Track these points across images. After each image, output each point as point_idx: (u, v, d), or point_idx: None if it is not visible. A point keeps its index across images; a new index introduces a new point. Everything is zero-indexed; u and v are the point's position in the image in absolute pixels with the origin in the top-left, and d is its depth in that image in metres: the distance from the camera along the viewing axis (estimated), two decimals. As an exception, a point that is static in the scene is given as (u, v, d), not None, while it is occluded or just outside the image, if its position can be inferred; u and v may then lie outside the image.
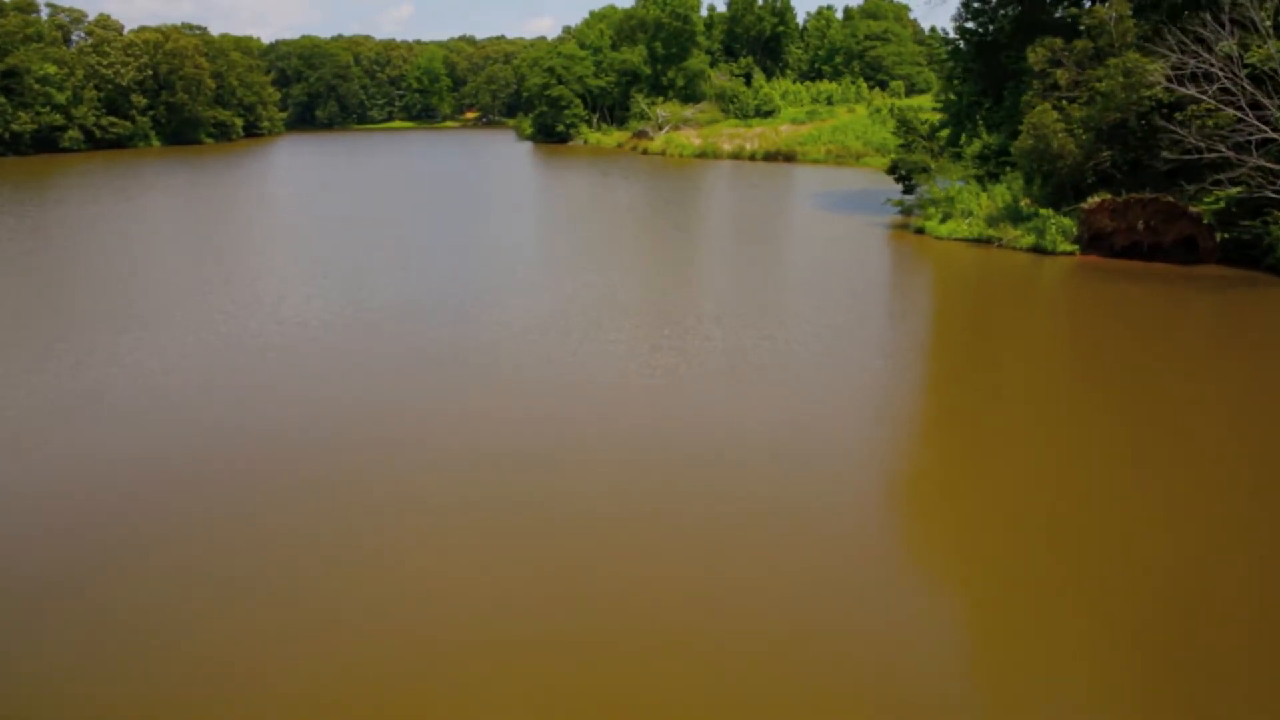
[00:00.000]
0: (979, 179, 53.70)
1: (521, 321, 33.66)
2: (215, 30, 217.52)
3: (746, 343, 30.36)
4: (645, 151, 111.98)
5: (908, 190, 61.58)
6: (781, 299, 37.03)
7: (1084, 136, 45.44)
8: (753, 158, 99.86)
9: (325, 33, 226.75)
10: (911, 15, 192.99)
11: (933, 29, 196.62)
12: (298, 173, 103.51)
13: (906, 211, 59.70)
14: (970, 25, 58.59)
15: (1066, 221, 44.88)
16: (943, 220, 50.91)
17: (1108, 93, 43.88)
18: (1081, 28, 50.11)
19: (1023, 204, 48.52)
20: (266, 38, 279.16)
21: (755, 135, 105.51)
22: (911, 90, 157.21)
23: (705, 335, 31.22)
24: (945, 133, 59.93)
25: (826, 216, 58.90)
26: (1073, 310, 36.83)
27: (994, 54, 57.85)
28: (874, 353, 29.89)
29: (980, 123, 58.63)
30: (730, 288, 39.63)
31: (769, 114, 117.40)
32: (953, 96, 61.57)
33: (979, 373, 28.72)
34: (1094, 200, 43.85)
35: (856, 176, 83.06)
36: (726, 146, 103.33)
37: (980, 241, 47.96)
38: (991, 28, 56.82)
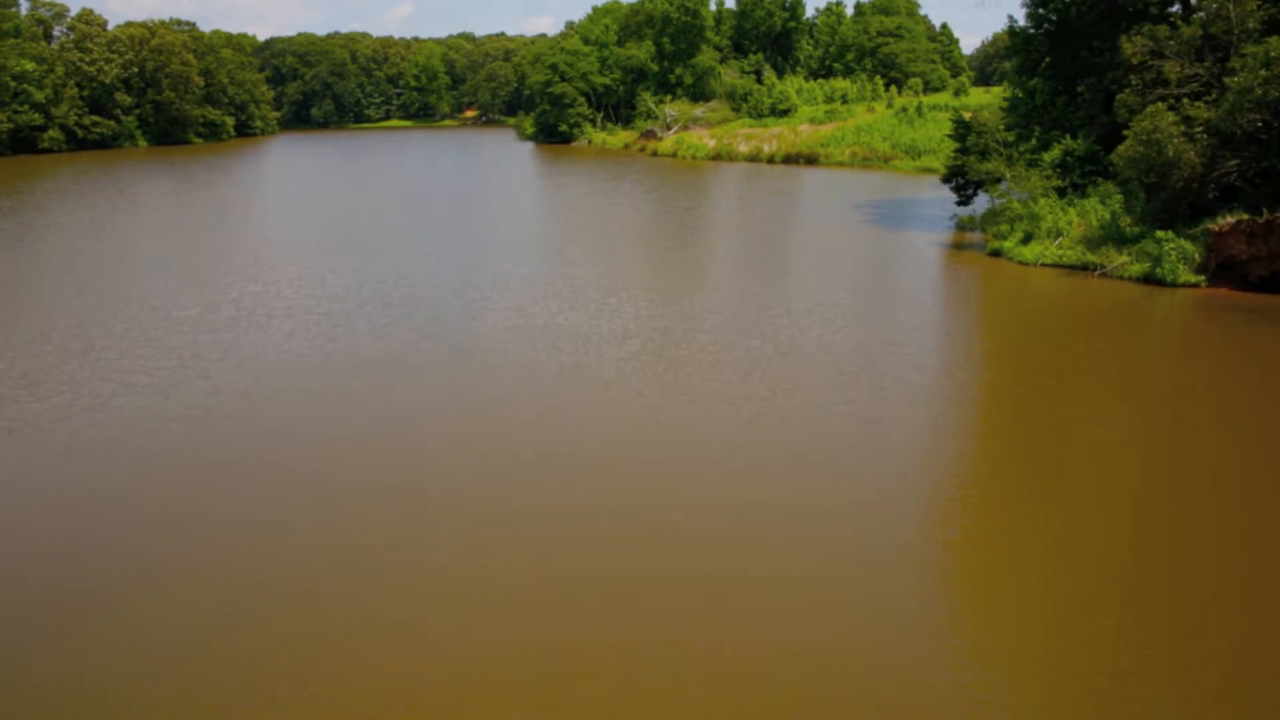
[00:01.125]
0: (1059, 191, 45.18)
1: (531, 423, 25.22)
2: (214, 28, 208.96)
3: (826, 425, 21.92)
4: (655, 153, 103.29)
5: (963, 201, 53.11)
6: (843, 352, 28.49)
7: (1206, 142, 36.91)
8: (771, 160, 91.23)
9: (323, 31, 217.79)
10: (921, 11, 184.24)
11: (944, 26, 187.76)
12: (277, 182, 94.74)
13: (964, 227, 51.18)
14: (1042, 11, 50.13)
15: (1188, 246, 36.33)
16: (1024, 241, 42.35)
17: (1243, 89, 35.32)
18: (1194, 15, 41.61)
19: (1124, 223, 40.00)
20: (263, 36, 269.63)
21: (773, 136, 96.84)
22: (927, 88, 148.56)
23: (768, 422, 22.75)
24: (1009, 135, 51.36)
25: (874, 234, 50.34)
26: (1199, 356, 28.55)
27: (1071, 44, 49.35)
28: (959, 427, 21.45)
29: (1043, 124, 50.18)
30: (783, 342, 31.12)
31: (785, 113, 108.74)
32: (1019, 93, 53.03)
33: (1090, 425, 22.23)
34: (1225, 220, 35.31)
35: (890, 182, 74.54)
36: (743, 148, 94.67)
37: (1076, 269, 39.41)
38: (1072, 13, 48.30)
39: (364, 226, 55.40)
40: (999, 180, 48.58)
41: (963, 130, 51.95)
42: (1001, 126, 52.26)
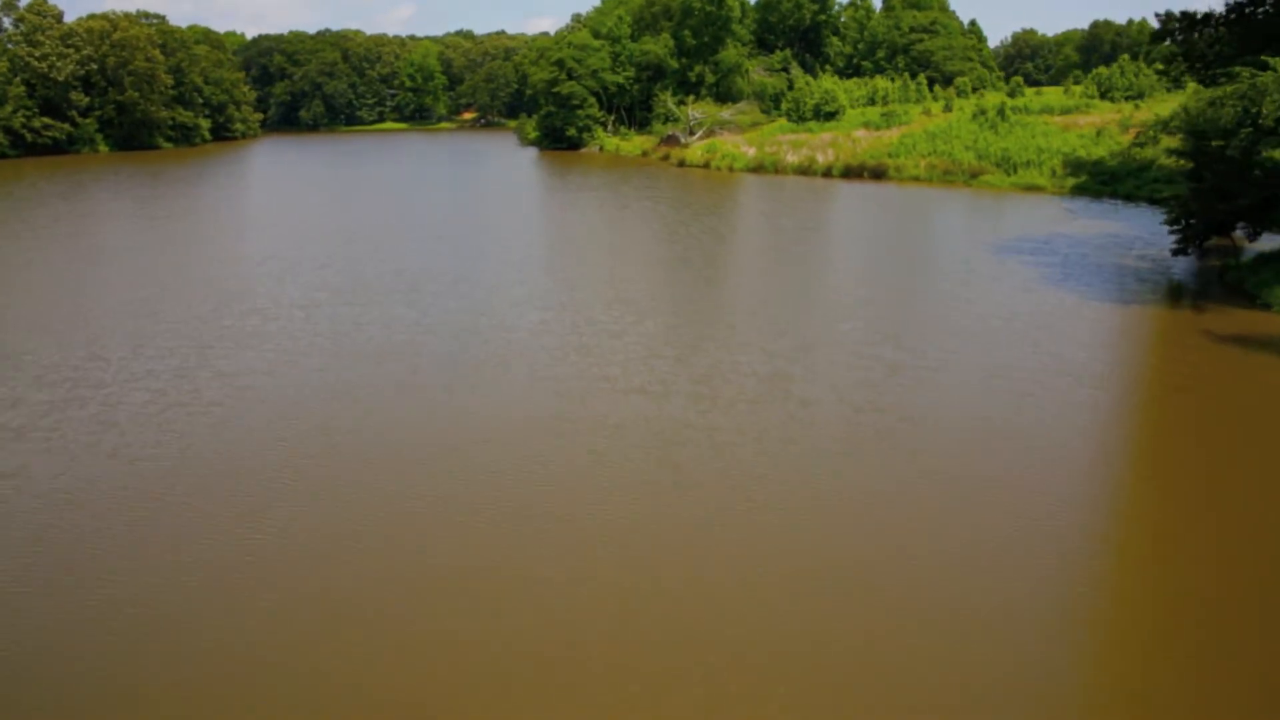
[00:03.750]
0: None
1: None
2: (217, 29, 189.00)
3: None
4: (682, 163, 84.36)
5: (1182, 248, 34.65)
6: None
7: None
8: (828, 173, 72.50)
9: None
10: (950, 6, 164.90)
11: (972, 22, 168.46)
12: (235, 201, 75.68)
13: (1203, 285, 32.58)
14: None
15: None
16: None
17: None
18: None
19: None
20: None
21: (825, 144, 78.02)
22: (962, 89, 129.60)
23: None
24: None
25: (1067, 299, 31.69)
26: None
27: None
28: None
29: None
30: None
31: (831, 116, 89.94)
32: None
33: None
34: None
35: (999, 205, 55.88)
36: (791, 158, 75.84)
37: None
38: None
39: (331, 271, 36.90)
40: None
41: (1201, 156, 33.22)
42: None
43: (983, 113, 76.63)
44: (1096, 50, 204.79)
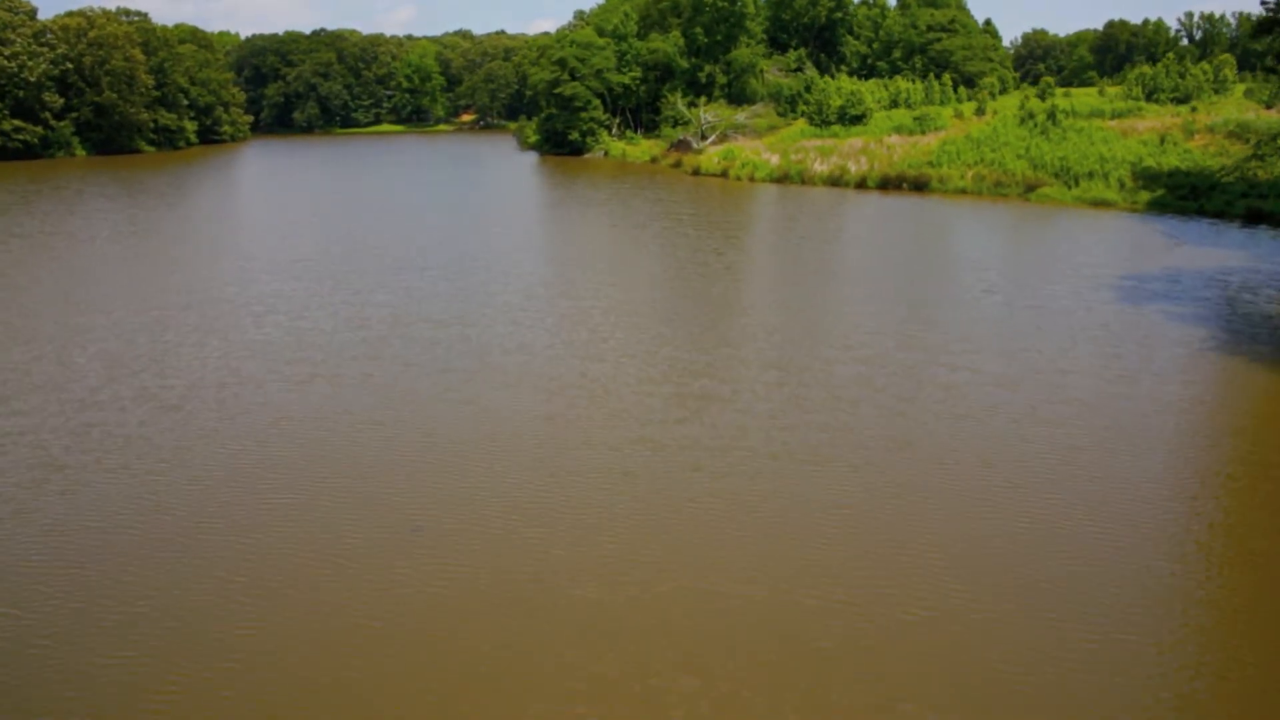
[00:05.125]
0: None
1: None
2: (219, 28, 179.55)
3: None
4: (696, 171, 75.58)
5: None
6: None
7: None
8: (861, 184, 63.81)
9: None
10: (966, 4, 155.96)
11: (987, 22, 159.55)
12: (185, 217, 67.15)
13: None
14: None
15: None
16: None
17: None
18: None
19: None
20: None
21: (856, 151, 69.31)
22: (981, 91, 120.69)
23: None
24: None
25: (1235, 367, 23.20)
26: None
27: None
28: None
29: None
30: None
31: (858, 119, 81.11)
32: None
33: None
34: None
35: (1071, 223, 47.24)
36: (819, 167, 67.13)
37: None
38: None
39: (273, 322, 28.27)
40: None
41: None
42: None
43: (1030, 116, 67.90)
44: (1112, 51, 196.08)
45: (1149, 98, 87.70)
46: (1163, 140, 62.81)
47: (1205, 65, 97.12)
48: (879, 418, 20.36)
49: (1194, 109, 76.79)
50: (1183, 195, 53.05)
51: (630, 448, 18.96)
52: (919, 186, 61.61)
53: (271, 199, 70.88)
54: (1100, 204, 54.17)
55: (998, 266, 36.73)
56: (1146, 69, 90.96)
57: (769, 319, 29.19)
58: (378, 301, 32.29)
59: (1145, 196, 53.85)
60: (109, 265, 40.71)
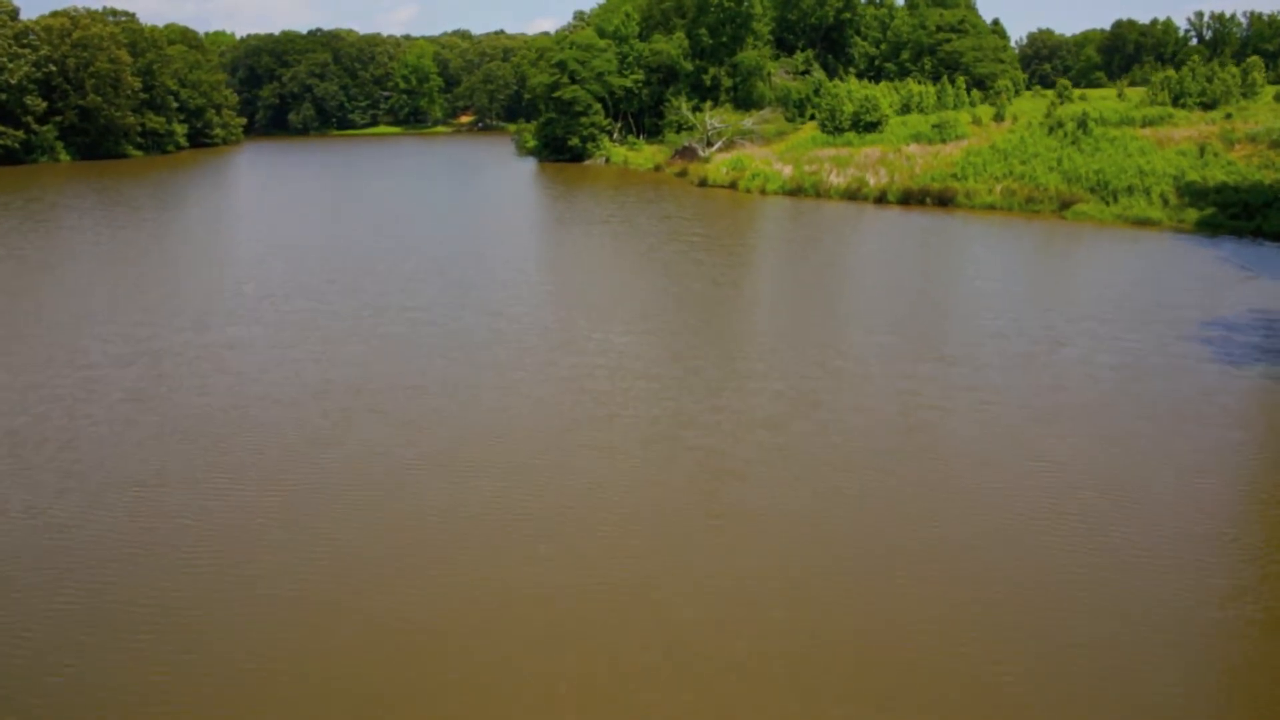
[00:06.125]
0: None
1: None
2: (216, 28, 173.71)
3: None
4: (703, 182, 70.68)
5: None
6: None
7: None
8: (881, 199, 58.98)
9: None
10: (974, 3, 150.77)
11: (995, 21, 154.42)
12: (145, 237, 62.36)
13: None
14: None
15: None
16: None
17: None
18: None
19: None
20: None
21: (873, 162, 64.39)
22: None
23: None
24: None
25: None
26: None
27: None
28: None
29: None
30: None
31: (873, 126, 76.15)
32: None
33: None
34: None
35: (1132, 248, 42.49)
36: (835, 179, 62.28)
37: None
38: None
39: (219, 386, 23.54)
40: None
41: None
42: None
43: (1060, 125, 63.03)
44: (1120, 51, 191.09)
45: (1175, 102, 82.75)
46: (1202, 151, 57.94)
47: (1233, 68, 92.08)
48: (951, 613, 15.59)
49: (1228, 116, 71.90)
50: (1235, 214, 48.25)
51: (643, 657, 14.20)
52: (943, 201, 56.82)
53: (249, 214, 66.03)
54: (1143, 223, 49.41)
55: (1058, 307, 31.92)
56: (1172, 72, 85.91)
57: (806, 387, 24.42)
58: (348, 357, 27.48)
59: (1193, 215, 49.06)
60: (53, 297, 35.88)
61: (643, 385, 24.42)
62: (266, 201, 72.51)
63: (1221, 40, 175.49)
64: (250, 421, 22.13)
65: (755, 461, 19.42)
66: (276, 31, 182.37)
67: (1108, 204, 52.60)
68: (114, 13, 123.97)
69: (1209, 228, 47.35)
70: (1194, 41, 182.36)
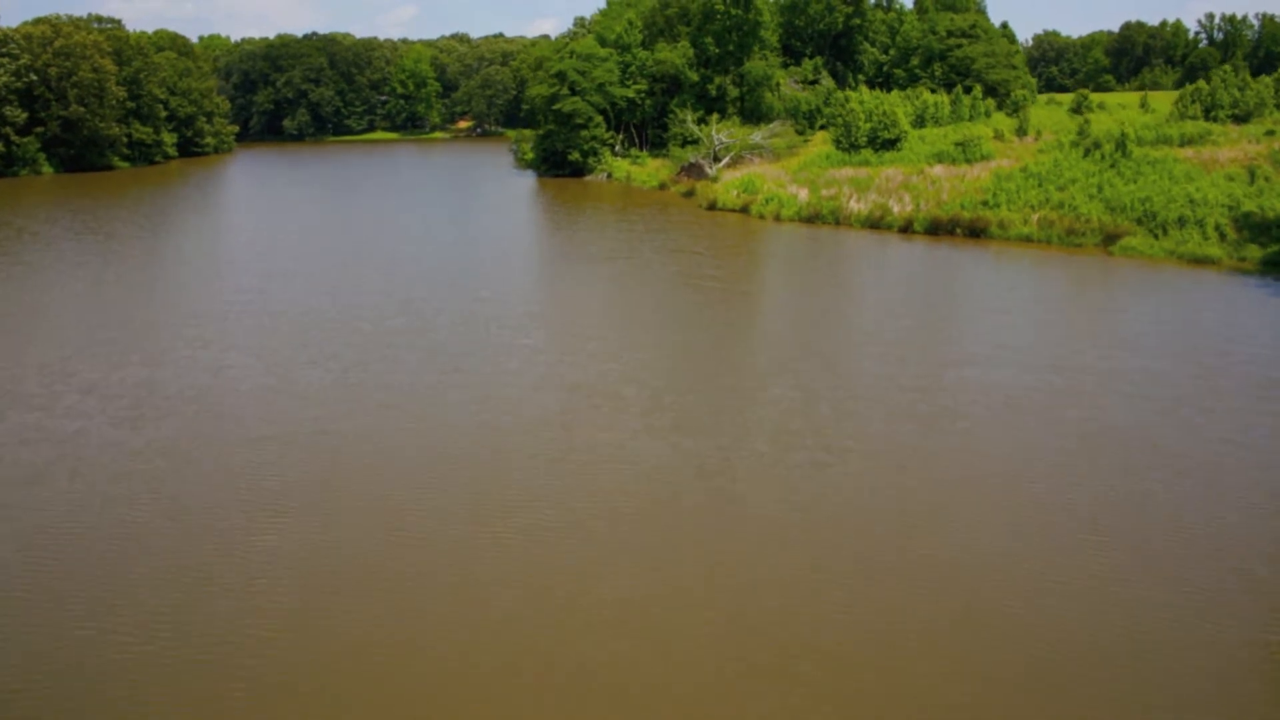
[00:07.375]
0: None
1: None
2: (214, 31, 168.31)
3: None
4: (712, 205, 65.68)
5: None
6: None
7: None
8: (907, 228, 54.08)
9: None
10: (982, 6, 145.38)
11: (1004, 25, 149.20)
12: (94, 262, 57.34)
13: None
14: None
15: None
16: None
17: None
18: None
19: None
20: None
21: (895, 186, 59.44)
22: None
23: None
24: None
25: None
26: None
27: None
28: None
29: None
30: None
31: (891, 143, 71.20)
32: None
33: None
34: None
35: (1200, 292, 37.63)
36: (855, 205, 57.35)
37: None
38: None
39: (143, 489, 18.73)
40: None
41: None
42: None
43: (1096, 146, 58.09)
44: (1128, 54, 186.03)
45: (1206, 115, 77.78)
46: (1253, 176, 53.06)
47: (1265, 78, 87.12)
48: None
49: (1269, 133, 66.99)
50: (1304, 252, 43.45)
51: None
52: (974, 232, 51.93)
53: (229, 237, 61.10)
54: (1200, 261, 44.50)
55: (1142, 380, 26.95)
56: (1203, 84, 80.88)
57: (853, 488, 19.57)
58: (320, 427, 22.59)
59: (1256, 252, 44.15)
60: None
61: (656, 505, 19.53)
62: (250, 220, 67.45)
63: (1233, 42, 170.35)
64: (180, 519, 17.23)
65: (791, 610, 14.55)
66: (276, 33, 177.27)
67: (1156, 237, 47.69)
68: (99, 19, 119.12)
69: (1277, 268, 42.48)
70: (1204, 44, 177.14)
